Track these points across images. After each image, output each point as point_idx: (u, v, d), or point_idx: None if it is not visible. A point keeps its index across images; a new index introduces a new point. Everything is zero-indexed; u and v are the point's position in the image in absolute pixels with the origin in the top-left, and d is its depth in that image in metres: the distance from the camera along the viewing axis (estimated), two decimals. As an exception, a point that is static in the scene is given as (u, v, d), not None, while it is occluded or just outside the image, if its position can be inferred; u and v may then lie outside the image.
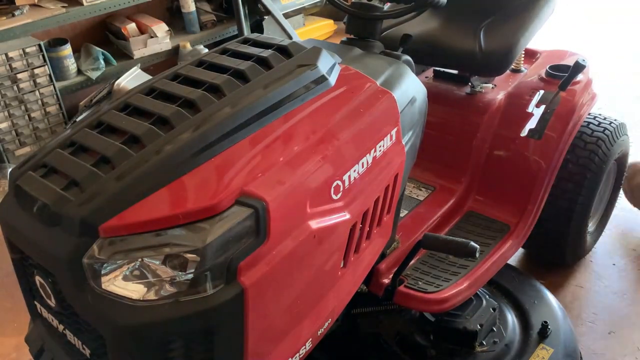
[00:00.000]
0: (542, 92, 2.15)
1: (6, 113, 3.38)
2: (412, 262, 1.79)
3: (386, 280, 1.75)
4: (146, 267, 1.11)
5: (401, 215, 1.76)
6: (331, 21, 5.13)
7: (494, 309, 1.92)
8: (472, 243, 1.60)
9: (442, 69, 2.40)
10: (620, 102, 3.81)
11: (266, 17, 4.16)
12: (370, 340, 1.89)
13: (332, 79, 1.45)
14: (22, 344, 1.53)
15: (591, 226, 2.54)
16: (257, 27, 4.23)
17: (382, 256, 1.74)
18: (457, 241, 1.62)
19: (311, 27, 4.96)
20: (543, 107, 2.11)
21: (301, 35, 4.44)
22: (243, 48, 1.47)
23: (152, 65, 4.01)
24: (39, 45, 3.38)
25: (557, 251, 2.42)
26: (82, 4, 3.51)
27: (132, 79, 3.58)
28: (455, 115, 2.26)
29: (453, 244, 1.63)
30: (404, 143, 1.56)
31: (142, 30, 3.94)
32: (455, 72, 2.37)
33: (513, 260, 2.44)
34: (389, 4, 1.73)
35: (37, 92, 3.46)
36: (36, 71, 3.40)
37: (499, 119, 2.17)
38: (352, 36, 1.70)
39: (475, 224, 1.88)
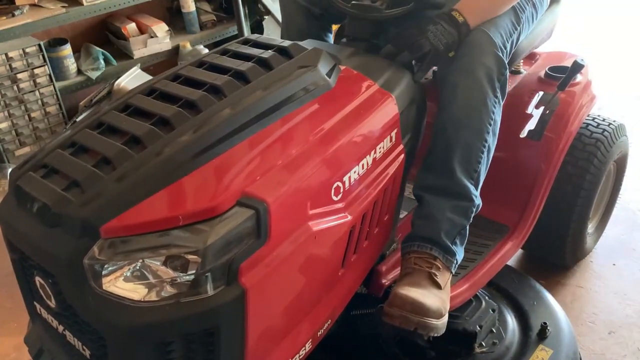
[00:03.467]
0: (541, 93, 2.14)
1: (6, 113, 3.37)
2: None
3: (386, 282, 1.75)
4: (147, 268, 1.11)
5: (401, 216, 1.76)
6: (331, 21, 5.11)
7: (493, 310, 1.91)
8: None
9: (442, 70, 2.39)
10: (619, 102, 3.81)
11: (266, 17, 4.16)
12: (370, 342, 1.89)
13: (333, 81, 1.45)
14: (22, 344, 1.52)
15: (591, 227, 2.54)
16: (257, 27, 4.23)
17: (382, 257, 1.75)
18: None
19: (311, 27, 4.95)
20: (542, 108, 2.11)
21: (301, 36, 4.43)
22: (244, 49, 1.47)
23: (152, 65, 4.00)
24: (39, 45, 3.37)
25: (557, 253, 2.42)
26: (82, 4, 3.51)
27: (132, 79, 3.58)
28: (455, 116, 2.25)
29: None
30: (403, 144, 1.57)
31: (142, 30, 3.94)
32: (455, 73, 2.37)
33: (512, 262, 2.44)
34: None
35: (37, 92, 3.45)
36: (36, 71, 3.40)
37: (499, 119, 2.17)
38: (352, 37, 1.70)
39: (474, 225, 1.87)
